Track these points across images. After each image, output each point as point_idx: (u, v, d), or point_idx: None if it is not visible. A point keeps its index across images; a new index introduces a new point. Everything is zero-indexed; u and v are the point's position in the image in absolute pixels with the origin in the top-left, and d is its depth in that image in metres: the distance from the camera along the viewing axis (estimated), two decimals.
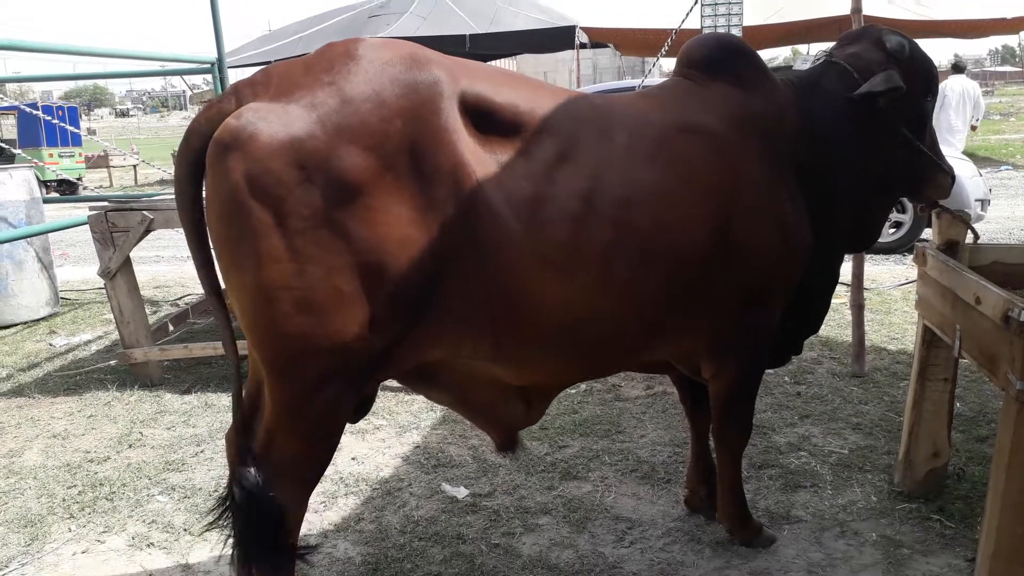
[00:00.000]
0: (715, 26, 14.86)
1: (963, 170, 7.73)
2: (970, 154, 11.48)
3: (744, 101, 2.29)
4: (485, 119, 1.91)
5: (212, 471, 3.39)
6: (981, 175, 8.16)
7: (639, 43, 15.83)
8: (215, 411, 4.08)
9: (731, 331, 2.31)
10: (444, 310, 1.90)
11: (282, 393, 1.89)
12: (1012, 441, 2.06)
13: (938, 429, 2.95)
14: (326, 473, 3.24)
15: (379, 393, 4.06)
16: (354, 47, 1.88)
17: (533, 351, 2.06)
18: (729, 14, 14.70)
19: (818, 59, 2.59)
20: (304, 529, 2.83)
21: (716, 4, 14.00)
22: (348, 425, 3.67)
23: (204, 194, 1.86)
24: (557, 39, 15.38)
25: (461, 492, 3.08)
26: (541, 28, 14.58)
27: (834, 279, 2.59)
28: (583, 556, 2.65)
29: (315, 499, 3.05)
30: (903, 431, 3.05)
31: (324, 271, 1.74)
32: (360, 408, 2.19)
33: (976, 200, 7.64)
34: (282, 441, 1.92)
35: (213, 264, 1.91)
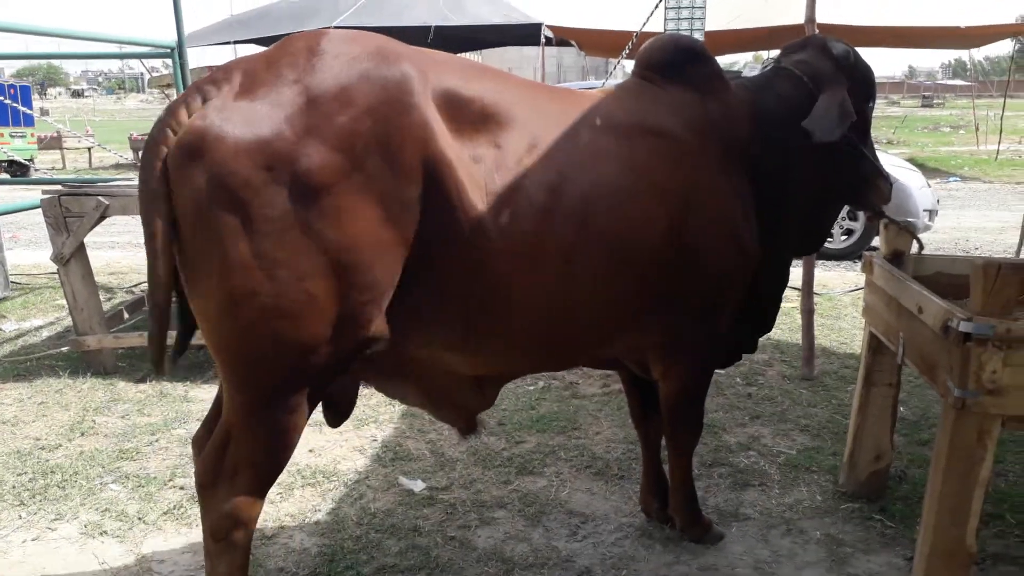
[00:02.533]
0: (678, 29, 14.99)
1: (912, 181, 7.96)
2: (919, 165, 11.80)
3: (700, 104, 2.34)
4: (456, 112, 1.91)
5: (167, 460, 3.37)
6: (930, 186, 8.41)
7: (603, 43, 15.94)
8: (170, 400, 4.05)
9: (682, 331, 2.36)
10: (416, 308, 1.92)
11: (243, 397, 1.87)
12: (949, 445, 2.16)
13: (882, 433, 3.06)
14: (288, 468, 3.27)
15: None
16: (318, 41, 1.86)
17: (497, 343, 2.10)
18: (692, 18, 14.87)
19: (766, 66, 2.66)
20: (260, 520, 2.83)
21: (679, 8, 14.16)
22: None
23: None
24: (522, 36, 15.43)
25: (418, 485, 3.11)
26: (506, 24, 14.60)
27: (784, 281, 2.66)
28: (537, 549, 2.70)
29: (272, 490, 3.05)
30: (848, 434, 3.16)
31: (294, 275, 1.72)
32: (345, 411, 2.22)
33: (924, 210, 7.87)
34: (240, 441, 1.91)
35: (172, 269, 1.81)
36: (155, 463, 3.36)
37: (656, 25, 7.12)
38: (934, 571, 2.21)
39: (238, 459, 1.91)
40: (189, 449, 3.45)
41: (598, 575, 2.57)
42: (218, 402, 2.16)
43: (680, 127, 2.26)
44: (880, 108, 18.02)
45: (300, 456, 3.38)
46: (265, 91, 1.74)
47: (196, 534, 2.73)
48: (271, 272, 1.70)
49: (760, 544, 2.78)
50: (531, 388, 4.17)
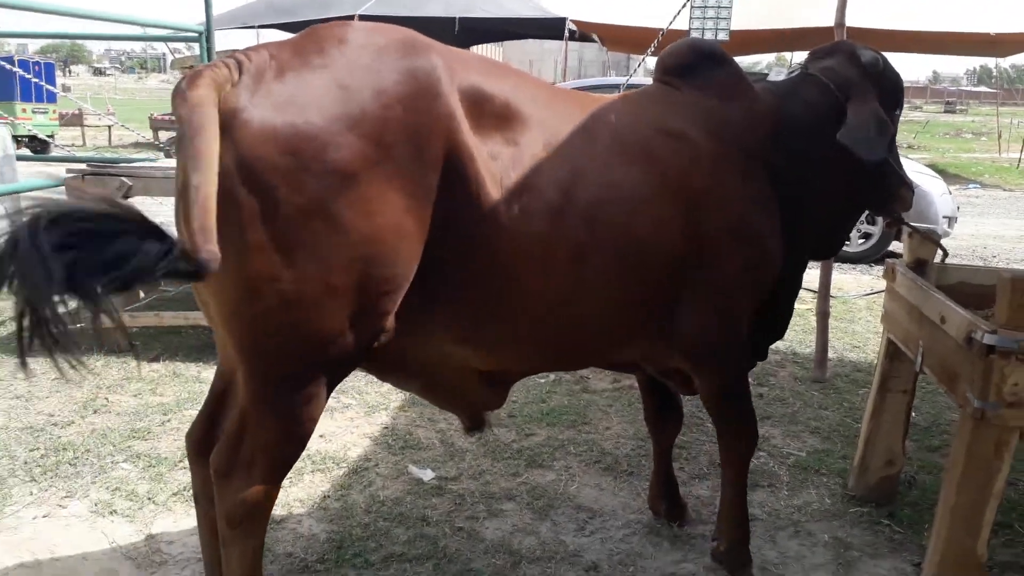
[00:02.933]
0: (703, 28, 14.89)
1: (933, 187, 7.90)
2: (940, 171, 11.68)
3: (719, 108, 2.31)
4: (477, 107, 1.91)
5: (178, 441, 3.38)
6: (951, 193, 8.34)
7: (625, 39, 15.85)
8: (183, 381, 4.07)
9: (702, 337, 2.30)
10: (432, 299, 1.92)
11: (259, 385, 1.84)
12: (965, 456, 2.14)
13: (894, 438, 3.04)
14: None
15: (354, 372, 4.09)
16: (344, 32, 1.85)
17: (507, 341, 2.10)
18: (717, 17, 14.78)
19: (793, 71, 2.63)
20: None
21: (705, 7, 14.06)
22: None
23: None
24: (545, 29, 15.39)
25: (427, 475, 3.12)
26: (531, 17, 14.57)
27: (798, 286, 2.63)
28: (544, 543, 2.70)
29: None
30: (860, 438, 3.14)
31: (315, 263, 1.70)
32: None
33: (944, 217, 7.82)
34: (256, 430, 1.88)
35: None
36: (166, 443, 3.38)
37: (682, 23, 7.06)
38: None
39: (254, 447, 1.89)
40: None
41: (605, 571, 2.57)
42: (214, 394, 2.15)
43: (697, 131, 2.23)
44: (903, 113, 17.86)
45: (311, 442, 3.36)
46: (293, 77, 1.72)
47: None
48: (292, 259, 1.68)
49: (768, 545, 2.77)
50: (542, 381, 4.17)
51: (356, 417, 3.67)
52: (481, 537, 2.73)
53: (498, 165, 1.92)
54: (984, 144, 24.19)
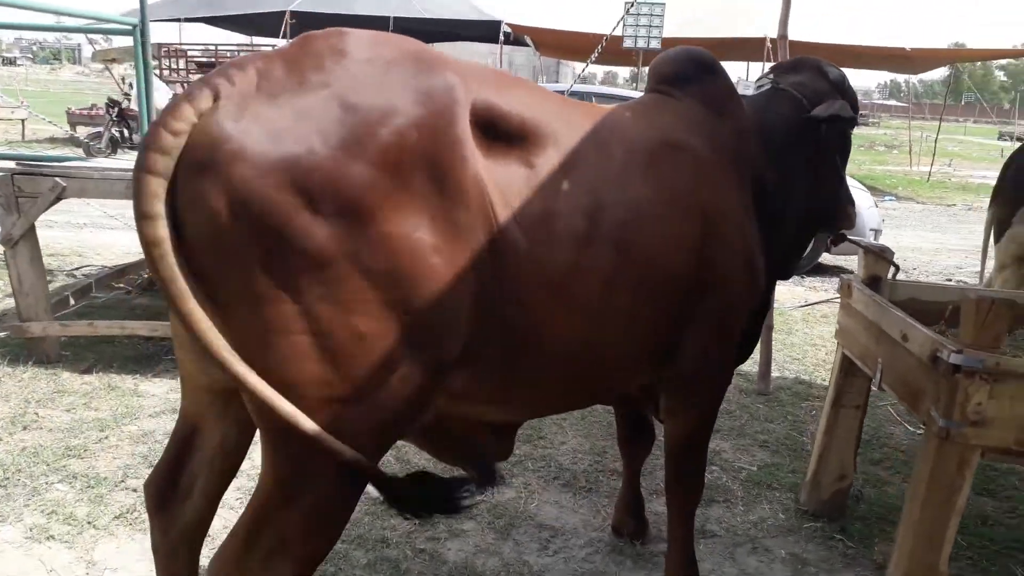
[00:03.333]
0: (636, 36, 15.30)
1: (861, 200, 8.15)
2: (858, 183, 12.11)
3: (717, 121, 2.26)
4: (492, 128, 1.73)
5: (117, 459, 3.22)
6: (876, 205, 8.64)
7: (559, 44, 15.96)
8: (119, 394, 3.87)
9: (703, 362, 2.22)
10: (463, 349, 1.69)
11: (284, 458, 1.56)
12: (930, 474, 2.19)
13: (846, 453, 3.11)
14: (242, 468, 3.15)
15: None
16: (343, 42, 1.63)
17: (532, 387, 1.92)
18: (650, 25, 14.97)
19: (762, 85, 2.65)
20: (220, 527, 2.73)
21: (639, 15, 14.23)
22: None
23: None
24: (481, 31, 15.37)
25: (374, 492, 3.03)
26: (468, 19, 14.52)
27: (768, 308, 2.64)
28: (508, 564, 2.65)
29: (230, 495, 2.95)
30: (813, 453, 3.20)
31: (337, 310, 1.48)
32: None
33: (871, 229, 8.07)
34: (282, 517, 1.57)
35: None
36: (104, 462, 3.20)
37: (615, 30, 7.14)
38: None
39: (278, 538, 1.58)
40: (141, 448, 3.32)
41: None
42: (177, 440, 1.89)
43: (700, 144, 2.16)
44: None
45: (257, 456, 3.25)
46: (288, 97, 1.50)
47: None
48: (309, 308, 1.47)
49: (727, 562, 2.79)
50: None
51: None
52: (444, 559, 2.67)
53: (519, 191, 1.74)
54: (896, 157, 25.19)
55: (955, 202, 15.69)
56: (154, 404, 3.76)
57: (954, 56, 19.44)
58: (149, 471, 2.04)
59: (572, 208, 1.82)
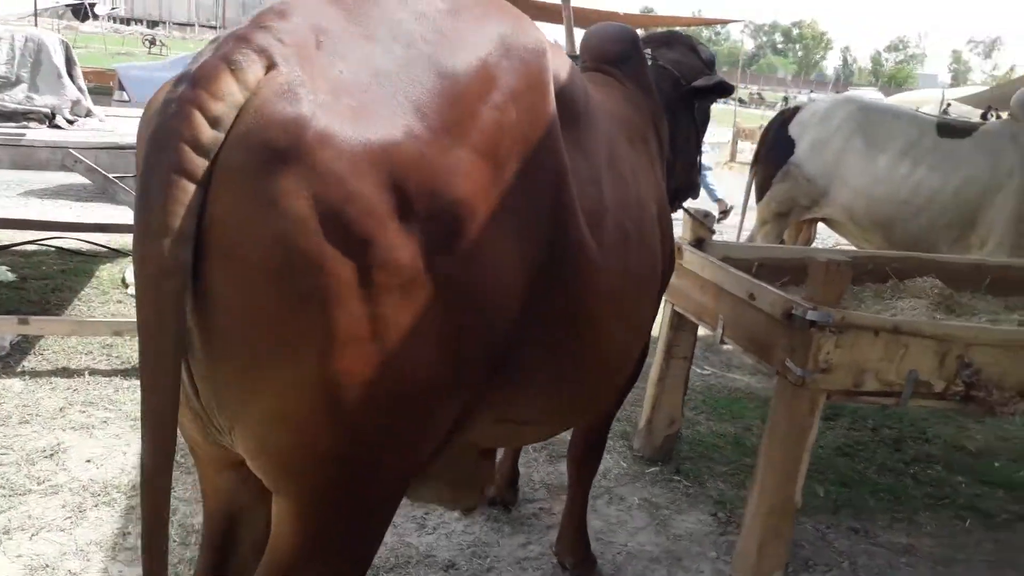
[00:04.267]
0: None
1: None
2: None
3: (651, 102, 2.23)
4: (567, 107, 1.48)
5: None
6: None
7: None
8: None
9: (642, 351, 2.17)
10: (517, 367, 1.43)
11: (326, 516, 1.26)
12: (787, 418, 2.47)
13: (676, 401, 3.39)
14: (60, 482, 2.78)
15: (93, 380, 3.55)
16: None
17: (565, 407, 1.72)
18: None
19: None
20: (56, 552, 2.41)
21: None
22: (70, 420, 3.19)
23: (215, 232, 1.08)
24: None
25: None
26: None
27: None
28: (394, 549, 2.60)
29: (58, 515, 2.60)
30: (646, 402, 3.45)
31: (417, 344, 1.17)
32: None
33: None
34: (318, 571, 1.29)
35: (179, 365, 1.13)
36: None
37: None
38: (769, 525, 2.51)
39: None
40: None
41: (463, 567, 2.56)
42: (214, 542, 1.52)
43: (650, 132, 2.15)
44: None
45: (78, 469, 2.89)
46: (362, 57, 1.13)
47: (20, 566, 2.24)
48: (387, 344, 1.14)
49: (591, 515, 2.93)
50: None
51: (122, 433, 3.18)
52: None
53: (578, 182, 1.49)
54: None
55: None
56: (18, 405, 3.17)
57: (626, 20, 21.24)
58: None
59: (616, 204, 1.65)
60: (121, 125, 4.77)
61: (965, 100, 18.34)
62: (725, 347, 2.98)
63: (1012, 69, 66.52)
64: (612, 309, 1.61)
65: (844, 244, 5.70)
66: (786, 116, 4.94)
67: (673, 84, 2.54)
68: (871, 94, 20.95)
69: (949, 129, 4.51)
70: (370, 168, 1.08)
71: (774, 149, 4.86)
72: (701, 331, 3.26)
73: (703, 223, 3.21)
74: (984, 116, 14.14)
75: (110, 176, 3.91)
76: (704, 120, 2.72)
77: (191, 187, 1.03)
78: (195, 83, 1.04)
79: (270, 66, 1.07)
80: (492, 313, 1.28)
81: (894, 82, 51.40)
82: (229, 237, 1.07)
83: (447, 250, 1.17)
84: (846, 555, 2.80)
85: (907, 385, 2.42)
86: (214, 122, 1.03)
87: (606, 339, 1.63)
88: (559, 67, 1.49)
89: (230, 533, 1.51)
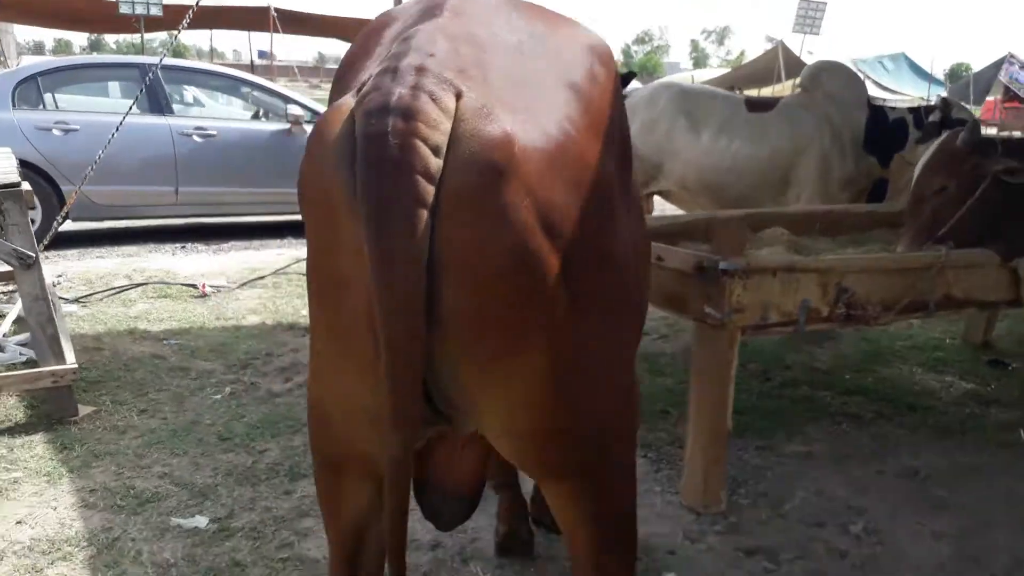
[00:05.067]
0: (133, 2, 14.73)
1: None
2: None
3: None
4: None
5: None
6: None
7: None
8: None
9: None
10: None
11: (627, 460, 1.64)
12: (712, 356, 2.83)
13: None
14: (11, 549, 2.61)
15: None
16: None
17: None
18: None
19: None
20: None
21: None
22: None
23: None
24: None
25: (201, 521, 2.77)
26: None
27: None
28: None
29: None
30: None
31: (610, 325, 1.43)
32: None
33: None
34: (625, 529, 1.67)
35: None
36: None
37: None
38: (710, 452, 2.87)
39: (628, 542, 1.68)
40: None
41: (449, 544, 2.70)
42: (346, 555, 1.68)
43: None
44: (306, 91, 20.07)
45: (14, 533, 2.70)
46: (506, 76, 1.27)
47: None
48: (589, 326, 1.37)
49: None
50: (218, 398, 3.87)
51: (41, 490, 2.99)
52: (311, 558, 2.60)
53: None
54: None
55: None
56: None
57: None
58: None
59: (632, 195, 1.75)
60: None
61: (711, 82, 20.47)
62: None
63: (743, 53, 74.36)
64: (630, 295, 1.65)
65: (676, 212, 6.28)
66: None
67: None
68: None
69: (755, 104, 5.18)
70: (558, 170, 1.25)
71: None
72: None
73: None
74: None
75: None
76: None
77: (426, 213, 1.14)
78: (408, 116, 1.13)
79: (458, 94, 1.18)
80: (638, 279, 1.57)
81: (645, 71, 55.43)
82: (467, 251, 1.19)
83: (611, 231, 1.38)
84: (764, 469, 3.22)
85: (801, 313, 2.86)
86: (436, 151, 1.14)
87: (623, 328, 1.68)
88: None
89: (359, 543, 1.66)
